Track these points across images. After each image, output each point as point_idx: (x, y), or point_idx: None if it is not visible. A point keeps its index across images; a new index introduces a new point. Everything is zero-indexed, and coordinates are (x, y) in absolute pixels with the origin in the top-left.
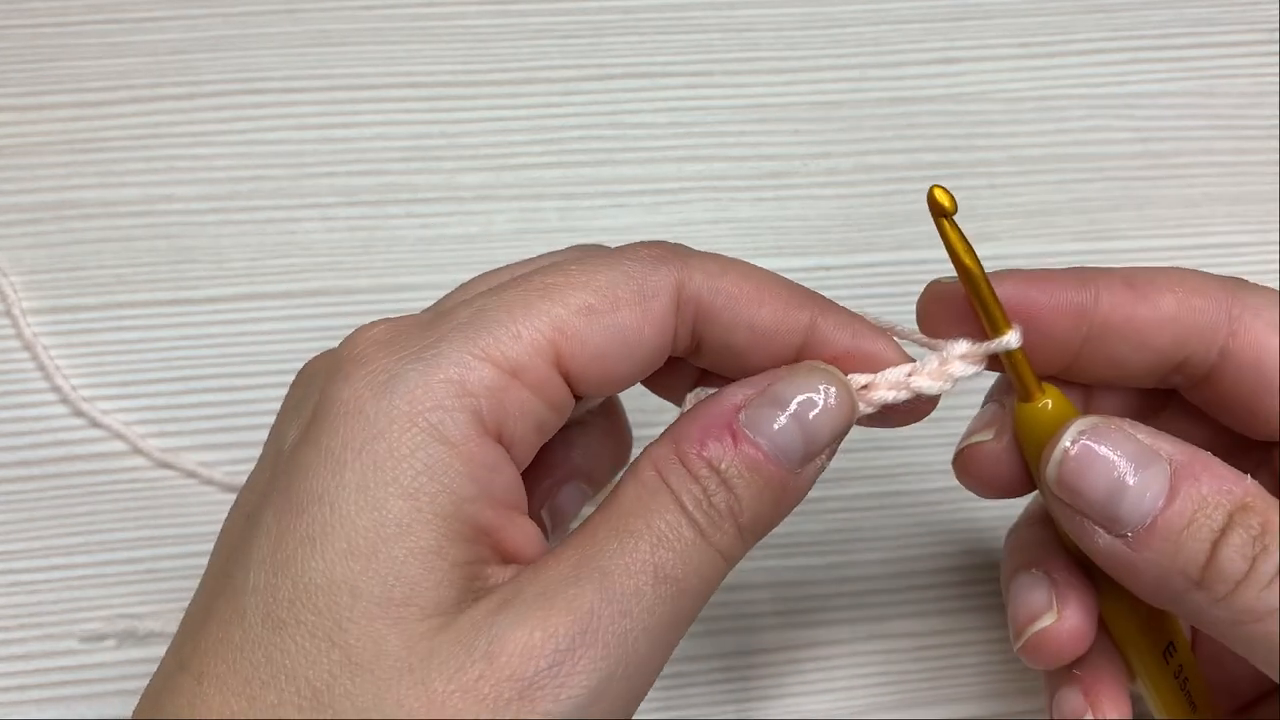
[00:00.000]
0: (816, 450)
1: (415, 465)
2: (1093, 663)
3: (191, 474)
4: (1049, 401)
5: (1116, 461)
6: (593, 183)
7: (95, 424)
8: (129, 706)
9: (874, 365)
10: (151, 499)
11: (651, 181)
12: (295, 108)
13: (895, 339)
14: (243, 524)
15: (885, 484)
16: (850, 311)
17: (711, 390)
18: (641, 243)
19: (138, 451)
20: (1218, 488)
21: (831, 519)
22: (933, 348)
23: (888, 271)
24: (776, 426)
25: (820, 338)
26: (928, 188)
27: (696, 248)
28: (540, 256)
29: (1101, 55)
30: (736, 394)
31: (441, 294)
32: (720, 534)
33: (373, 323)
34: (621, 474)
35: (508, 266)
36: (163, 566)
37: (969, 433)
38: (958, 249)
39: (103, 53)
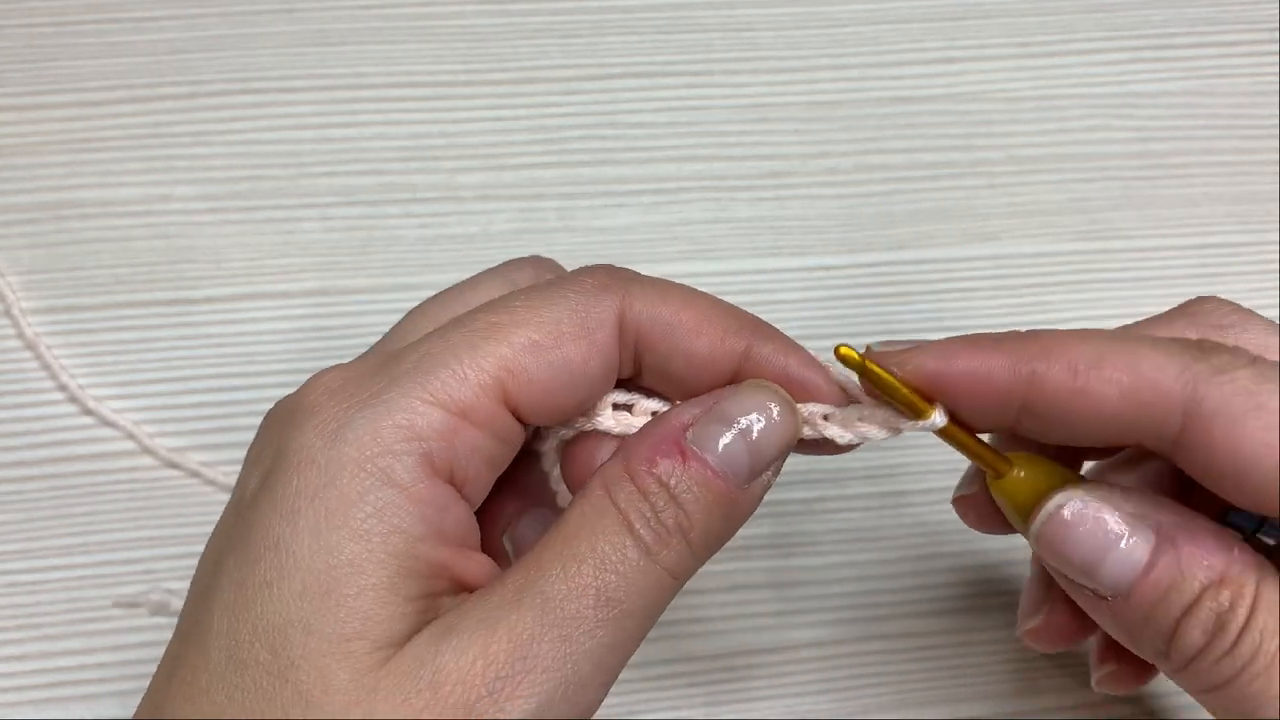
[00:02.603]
0: (763, 466)
1: (365, 509)
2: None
3: (195, 474)
4: (1019, 472)
5: (1096, 533)
6: (592, 182)
7: (106, 423)
8: (127, 707)
9: (805, 394)
10: (151, 499)
11: (650, 181)
12: (294, 107)
13: (831, 372)
14: (211, 570)
15: (885, 484)
16: (790, 340)
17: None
18: (586, 269)
19: (145, 451)
20: (1196, 561)
21: (831, 519)
22: (861, 400)
23: (887, 271)
24: (724, 443)
25: (755, 365)
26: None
27: (696, 248)
28: (484, 276)
29: (1101, 55)
30: (684, 413)
31: None
32: (669, 551)
33: (326, 369)
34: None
35: (455, 289)
36: (162, 567)
37: (960, 484)
38: (873, 372)
39: (101, 52)
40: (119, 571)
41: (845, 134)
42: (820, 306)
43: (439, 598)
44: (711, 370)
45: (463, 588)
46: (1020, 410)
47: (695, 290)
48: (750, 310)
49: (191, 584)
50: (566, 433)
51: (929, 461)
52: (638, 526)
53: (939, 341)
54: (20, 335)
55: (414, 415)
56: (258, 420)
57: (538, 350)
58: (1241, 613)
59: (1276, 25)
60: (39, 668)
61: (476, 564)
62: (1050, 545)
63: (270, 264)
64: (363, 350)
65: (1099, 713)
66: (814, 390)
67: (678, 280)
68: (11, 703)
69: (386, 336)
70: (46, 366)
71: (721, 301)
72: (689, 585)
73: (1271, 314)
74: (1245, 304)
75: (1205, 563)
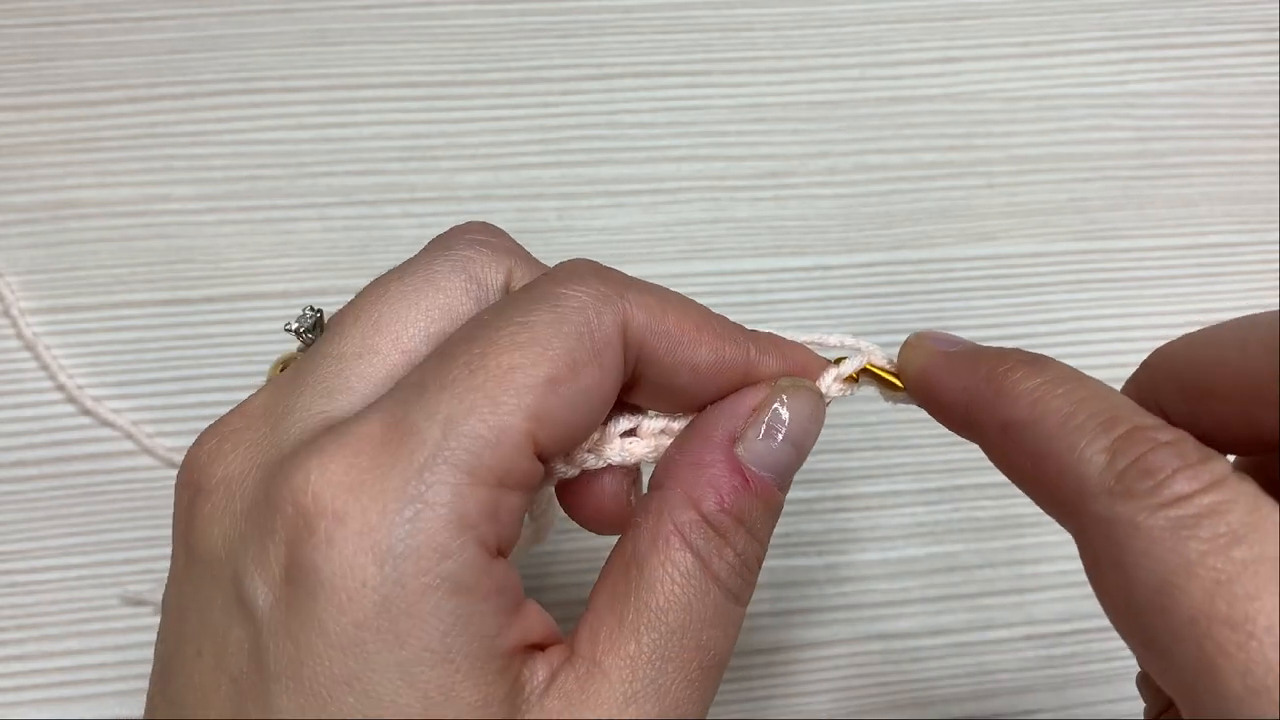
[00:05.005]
0: (802, 463)
1: (441, 627)
2: None
3: None
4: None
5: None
6: (591, 182)
7: (104, 423)
8: (127, 707)
9: (805, 376)
10: (149, 499)
11: (650, 181)
12: (293, 107)
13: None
14: (235, 696)
15: (885, 484)
16: (782, 338)
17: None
18: (571, 273)
19: (144, 451)
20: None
21: (831, 519)
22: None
23: (886, 271)
24: (775, 451)
25: (758, 373)
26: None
27: (695, 248)
28: (432, 263)
29: (1100, 55)
30: (722, 425)
31: None
32: (749, 590)
33: (318, 452)
34: (639, 532)
35: (400, 279)
36: (161, 567)
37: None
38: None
39: (100, 52)
40: (118, 571)
41: (844, 134)
42: (819, 306)
43: (519, 676)
44: (717, 380)
45: (532, 648)
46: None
47: (682, 295)
48: (750, 310)
49: (181, 694)
50: (569, 471)
51: (929, 462)
52: (724, 577)
53: (937, 353)
54: (19, 335)
55: (460, 500)
56: None
57: (558, 388)
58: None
59: (1276, 25)
60: (38, 668)
61: (533, 619)
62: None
63: (269, 264)
64: None
65: (1099, 712)
66: (813, 371)
67: (678, 280)
68: (11, 703)
69: (326, 355)
70: (45, 366)
71: (704, 306)
72: None
73: None
74: (1244, 304)
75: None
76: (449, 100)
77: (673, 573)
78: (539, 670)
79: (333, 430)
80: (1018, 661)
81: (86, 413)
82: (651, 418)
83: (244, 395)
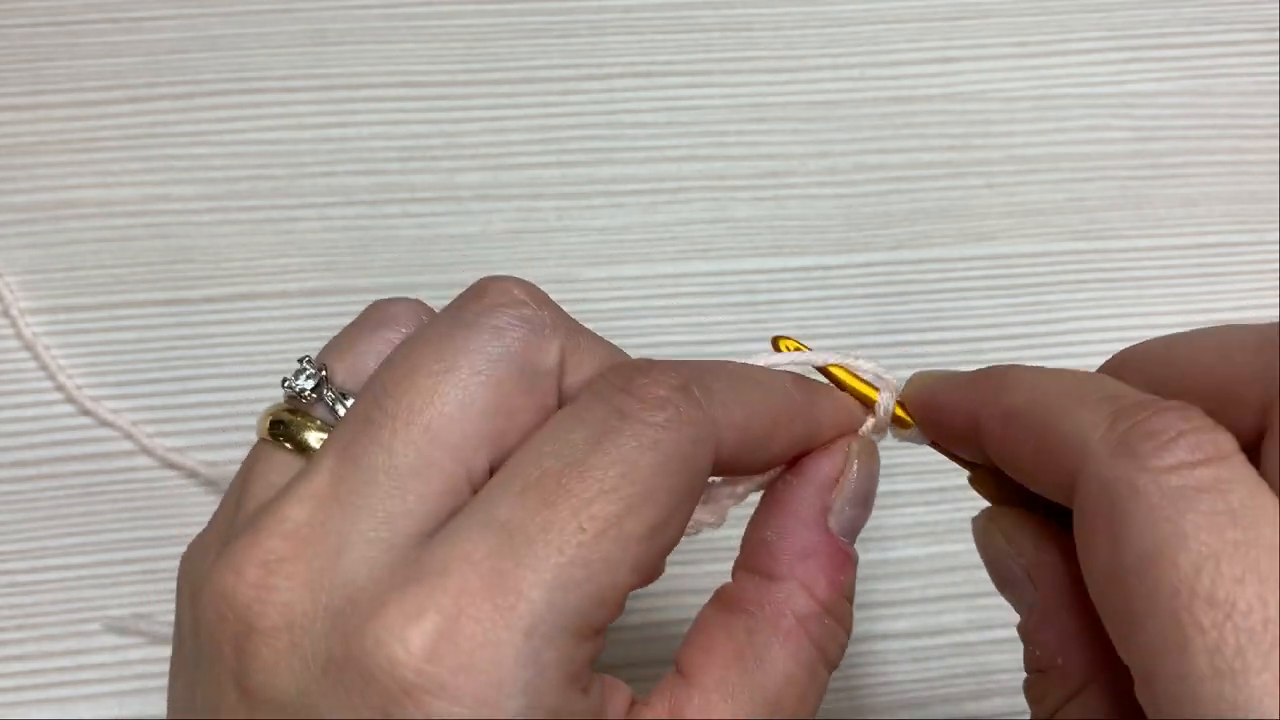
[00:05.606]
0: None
1: None
2: None
3: (193, 474)
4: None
5: (1000, 567)
6: (591, 182)
7: (104, 423)
8: (127, 707)
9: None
10: (150, 499)
11: (650, 181)
12: (292, 107)
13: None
14: None
15: (884, 484)
16: (813, 383)
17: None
18: (655, 390)
19: (144, 451)
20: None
21: None
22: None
23: (886, 271)
24: (852, 519)
25: (817, 434)
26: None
27: (694, 248)
28: (456, 356)
29: (1099, 54)
30: (813, 502)
31: (438, 295)
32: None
33: (406, 608)
34: (756, 622)
35: (433, 356)
36: (161, 567)
37: None
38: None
39: (100, 52)
40: (118, 571)
41: (844, 134)
42: (819, 306)
43: None
44: (783, 459)
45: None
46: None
47: (759, 379)
48: (750, 310)
49: None
50: None
51: (929, 461)
52: (834, 656)
53: (938, 381)
54: (18, 335)
55: (571, 665)
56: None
57: (656, 537)
58: (1048, 708)
59: (1276, 25)
60: (38, 668)
61: (618, 696)
62: (979, 550)
63: (269, 264)
64: None
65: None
66: (859, 423)
67: (678, 280)
68: (11, 703)
69: (368, 464)
70: (44, 366)
71: (779, 381)
72: (689, 586)
73: (1271, 314)
74: (1244, 304)
75: (1043, 651)
76: (449, 100)
77: (796, 671)
78: None
79: (420, 581)
80: (1018, 661)
81: (86, 413)
82: (713, 484)
83: (244, 395)
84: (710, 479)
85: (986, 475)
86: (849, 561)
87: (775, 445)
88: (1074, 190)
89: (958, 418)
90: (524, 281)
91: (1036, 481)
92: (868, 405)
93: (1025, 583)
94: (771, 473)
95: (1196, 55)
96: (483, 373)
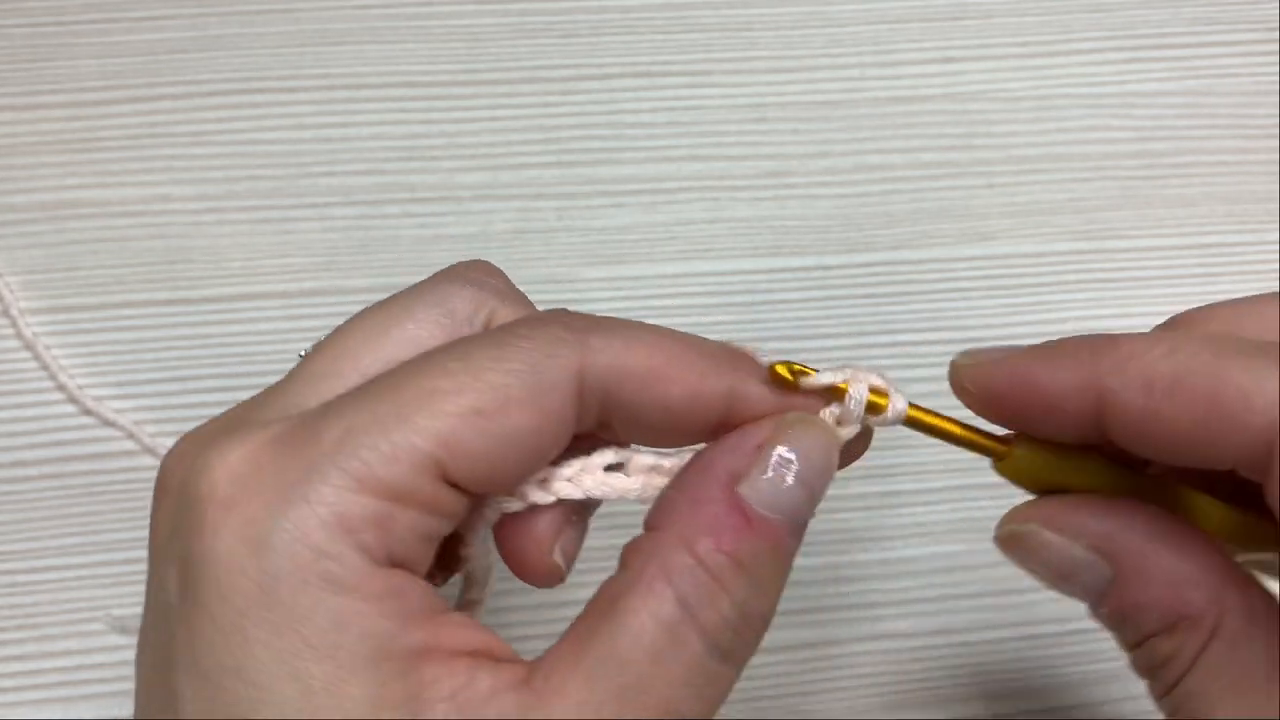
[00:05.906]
0: (816, 506)
1: (321, 623)
2: None
3: None
4: (1019, 451)
5: (1060, 560)
6: (591, 182)
7: (105, 422)
8: (127, 707)
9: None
10: (150, 499)
11: (650, 181)
12: (292, 107)
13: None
14: (161, 691)
15: (885, 484)
16: (757, 364)
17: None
18: (538, 319)
19: (145, 451)
20: (1145, 611)
21: (830, 519)
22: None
23: (886, 271)
24: (783, 491)
25: (744, 404)
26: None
27: (694, 248)
28: (416, 299)
29: (1100, 54)
30: (722, 461)
31: None
32: (746, 650)
33: (224, 439)
34: (624, 572)
35: (381, 312)
36: None
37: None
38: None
39: (99, 52)
40: (118, 571)
41: (844, 134)
42: (819, 306)
43: (424, 681)
44: (693, 419)
45: (453, 654)
46: (1100, 429)
47: (661, 329)
48: (749, 310)
49: (139, 694)
50: (513, 505)
51: (928, 461)
52: (713, 630)
53: (1010, 357)
54: (19, 335)
55: (343, 505)
56: None
57: (479, 420)
58: (1176, 670)
59: (1276, 25)
60: (39, 668)
61: (455, 626)
62: (1017, 559)
63: (269, 264)
64: None
65: (1099, 712)
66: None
67: (678, 280)
68: (11, 703)
69: (296, 375)
70: (45, 367)
71: (691, 338)
72: None
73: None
74: None
75: (1155, 613)
76: (449, 100)
77: (647, 620)
78: (482, 680)
79: (245, 426)
80: (1018, 661)
81: (87, 413)
82: (642, 453)
83: (244, 395)
84: (632, 446)
85: (1033, 455)
86: (753, 530)
87: (672, 391)
88: (1074, 190)
89: (1068, 393)
90: (484, 263)
91: (1194, 451)
92: (835, 396)
93: (1094, 562)
94: (698, 447)
95: (1197, 55)
96: (407, 310)
